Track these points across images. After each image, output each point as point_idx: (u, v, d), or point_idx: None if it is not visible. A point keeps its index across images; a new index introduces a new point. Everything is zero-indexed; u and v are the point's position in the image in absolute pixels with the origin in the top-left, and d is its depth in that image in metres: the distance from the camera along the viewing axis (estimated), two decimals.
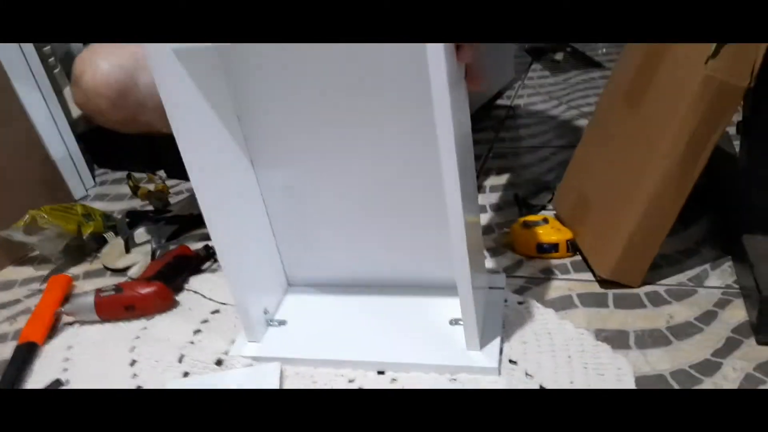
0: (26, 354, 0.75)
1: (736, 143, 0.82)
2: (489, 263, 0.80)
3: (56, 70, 1.17)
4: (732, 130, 0.74)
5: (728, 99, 0.64)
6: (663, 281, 0.72)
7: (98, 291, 0.80)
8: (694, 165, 0.67)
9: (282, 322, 0.74)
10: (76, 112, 1.22)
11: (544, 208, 0.89)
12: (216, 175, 0.63)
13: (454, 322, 0.68)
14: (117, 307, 0.79)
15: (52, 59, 1.16)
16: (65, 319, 0.82)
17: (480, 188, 0.99)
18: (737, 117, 0.71)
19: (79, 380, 0.72)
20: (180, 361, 0.72)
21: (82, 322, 0.81)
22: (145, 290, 0.79)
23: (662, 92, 0.70)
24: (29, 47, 1.07)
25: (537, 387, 0.61)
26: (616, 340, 0.65)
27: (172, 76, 0.56)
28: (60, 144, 1.12)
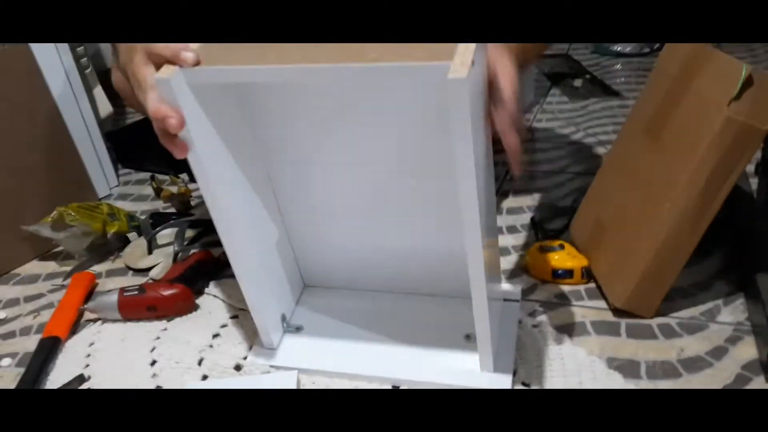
0: (50, 348, 0.77)
1: (754, 182, 0.84)
2: (505, 285, 0.82)
3: (88, 70, 1.20)
4: (750, 167, 0.76)
5: (749, 141, 0.66)
6: (676, 314, 0.74)
7: (122, 290, 0.82)
8: (711, 203, 0.69)
9: (299, 328, 0.76)
10: (104, 111, 1.25)
11: (561, 233, 0.91)
12: (223, 174, 0.63)
13: (468, 338, 0.70)
14: (139, 307, 0.81)
15: (84, 59, 1.19)
16: (87, 315, 0.84)
17: (498, 210, 1.01)
18: (756, 156, 0.72)
19: (100, 377, 0.74)
20: (199, 363, 0.74)
21: (104, 320, 0.83)
22: (168, 292, 0.81)
23: (683, 129, 0.72)
24: (64, 47, 1.09)
25: None
26: (628, 369, 0.66)
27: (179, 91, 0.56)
28: (88, 143, 1.14)
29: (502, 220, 0.98)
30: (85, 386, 0.71)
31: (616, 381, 0.65)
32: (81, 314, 0.84)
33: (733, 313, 0.73)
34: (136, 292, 0.82)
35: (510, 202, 1.03)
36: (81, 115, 1.13)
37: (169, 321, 0.82)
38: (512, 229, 0.95)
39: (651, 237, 0.71)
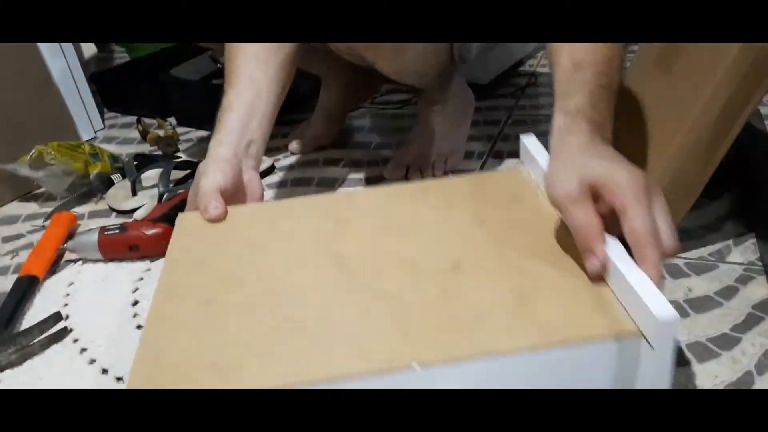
0: (26, 287, 0.73)
1: (767, 122, 0.80)
2: None
3: None
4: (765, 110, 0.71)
5: (766, 69, 0.62)
6: (683, 254, 0.70)
7: (102, 229, 0.78)
8: (725, 136, 0.65)
9: None
10: (88, 52, 1.19)
11: None
12: None
13: None
14: (121, 246, 0.77)
15: None
16: (68, 256, 0.81)
17: (499, 154, 0.97)
18: None
19: (79, 316, 0.70)
20: None
21: (85, 260, 0.80)
22: (151, 231, 0.77)
23: (696, 57, 0.67)
24: None
25: None
26: None
27: None
28: (70, 84, 1.09)
29: (504, 165, 0.94)
30: (61, 325, 0.68)
31: None
32: (61, 255, 0.81)
33: (743, 253, 0.69)
34: (117, 231, 0.78)
35: (511, 145, 0.99)
36: (63, 55, 1.08)
37: (152, 261, 0.78)
38: None
39: (659, 173, 0.67)
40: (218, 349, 0.42)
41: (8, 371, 0.63)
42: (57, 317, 0.68)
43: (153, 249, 0.78)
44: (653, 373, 0.40)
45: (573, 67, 0.53)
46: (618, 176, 0.44)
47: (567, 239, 0.48)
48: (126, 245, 0.77)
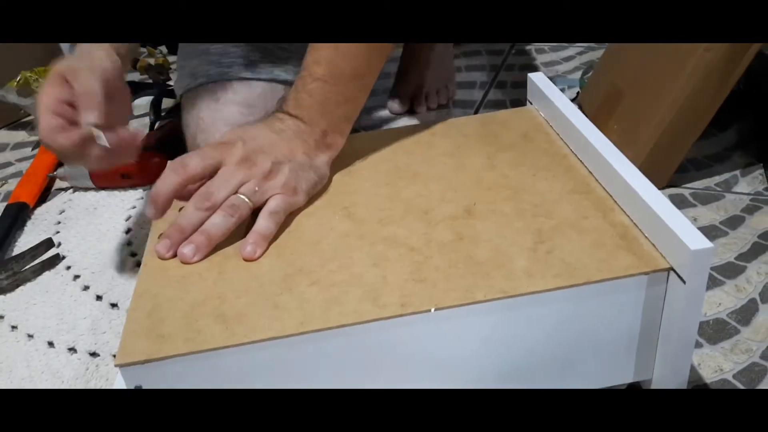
0: (16, 213, 0.71)
1: None
2: None
3: None
4: None
5: None
6: (689, 184, 0.69)
7: None
8: (739, 60, 0.63)
9: None
10: None
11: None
12: None
13: None
14: (112, 174, 0.75)
15: None
16: (58, 184, 0.79)
17: (502, 84, 0.94)
18: None
19: (71, 243, 0.69)
20: None
21: (76, 188, 0.78)
22: (143, 159, 0.75)
23: None
24: None
25: None
26: None
27: None
28: None
29: (506, 94, 0.91)
30: (54, 251, 0.67)
31: None
32: (51, 182, 0.79)
33: (751, 183, 0.68)
34: None
35: (514, 76, 0.96)
36: None
37: (145, 190, 0.76)
38: (516, 103, 0.88)
39: (670, 98, 0.65)
40: (221, 300, 0.40)
41: (0, 296, 0.62)
42: (49, 243, 0.66)
43: (145, 177, 0.76)
44: (683, 309, 0.38)
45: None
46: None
47: (583, 178, 0.47)
48: (118, 173, 0.75)
